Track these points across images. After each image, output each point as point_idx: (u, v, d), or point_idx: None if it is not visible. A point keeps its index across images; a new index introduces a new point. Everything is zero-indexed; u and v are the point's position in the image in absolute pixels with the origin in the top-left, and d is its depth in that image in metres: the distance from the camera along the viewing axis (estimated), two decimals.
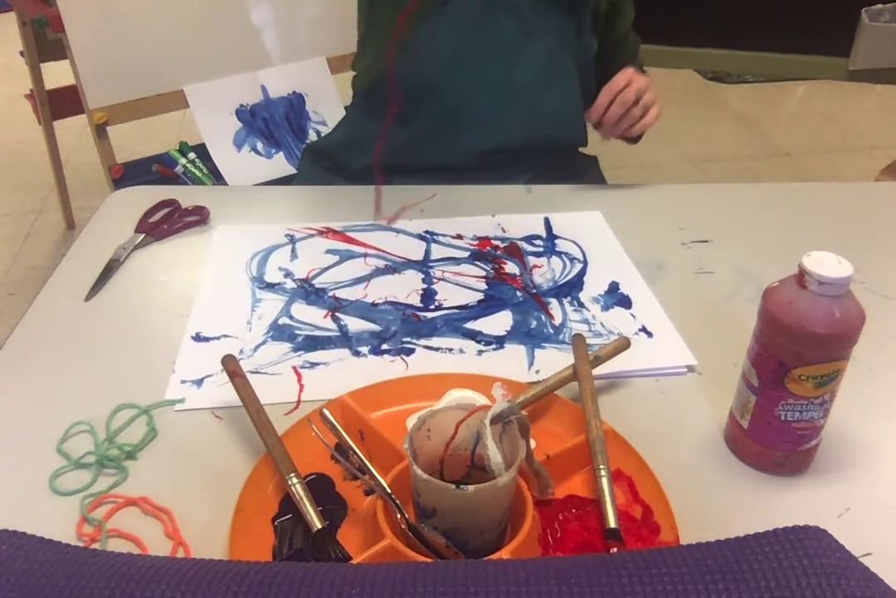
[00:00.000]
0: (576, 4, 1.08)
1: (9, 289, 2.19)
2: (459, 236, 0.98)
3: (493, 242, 0.97)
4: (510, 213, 1.03)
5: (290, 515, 0.58)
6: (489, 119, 1.09)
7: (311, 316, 0.83)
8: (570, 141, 1.19)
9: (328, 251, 0.94)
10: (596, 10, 1.10)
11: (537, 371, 0.75)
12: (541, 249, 0.96)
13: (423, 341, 0.79)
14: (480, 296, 0.86)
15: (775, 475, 0.64)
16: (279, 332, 0.80)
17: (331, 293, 0.86)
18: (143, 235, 0.95)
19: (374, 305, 0.85)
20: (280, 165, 1.78)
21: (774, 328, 0.58)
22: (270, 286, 0.88)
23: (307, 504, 0.57)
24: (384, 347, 0.78)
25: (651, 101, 1.04)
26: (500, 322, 0.82)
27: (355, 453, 0.57)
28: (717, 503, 0.61)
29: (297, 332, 0.80)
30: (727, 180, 2.67)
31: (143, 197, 1.03)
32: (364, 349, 0.78)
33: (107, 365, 0.75)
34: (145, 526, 0.58)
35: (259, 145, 1.77)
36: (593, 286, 0.88)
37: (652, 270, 0.91)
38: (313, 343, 0.78)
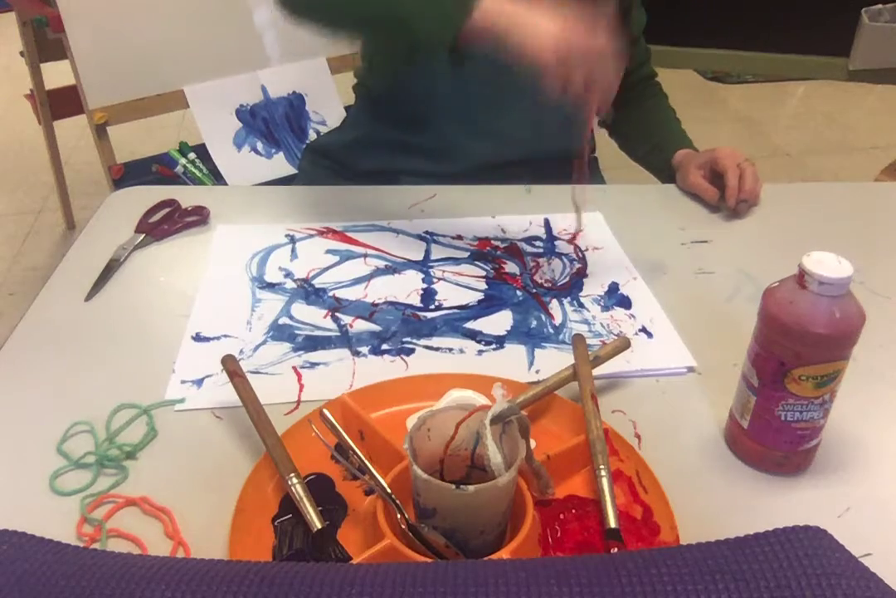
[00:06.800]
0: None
1: (9, 289, 2.19)
2: (459, 237, 0.98)
3: (493, 242, 0.97)
4: (510, 213, 1.03)
5: (290, 515, 0.58)
6: (498, 130, 1.10)
7: (311, 316, 0.83)
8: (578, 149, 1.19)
9: (328, 251, 0.94)
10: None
11: (537, 371, 0.75)
12: (541, 250, 0.96)
13: (423, 341, 0.79)
14: (480, 296, 0.87)
15: (775, 475, 0.64)
16: (279, 332, 0.80)
17: (331, 293, 0.86)
18: (143, 235, 0.95)
19: (374, 305, 0.85)
20: (280, 165, 1.78)
21: (774, 328, 0.58)
22: (270, 286, 0.88)
23: (307, 504, 0.57)
24: (384, 347, 0.78)
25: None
26: (500, 322, 0.82)
27: (355, 453, 0.57)
28: (717, 503, 0.61)
29: (297, 332, 0.80)
30: None
31: (143, 197, 1.03)
32: (364, 349, 0.78)
33: (107, 365, 0.75)
34: (145, 526, 0.58)
35: (259, 145, 1.78)
36: (593, 287, 0.88)
37: (652, 270, 0.91)
38: (313, 343, 0.78)
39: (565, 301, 0.86)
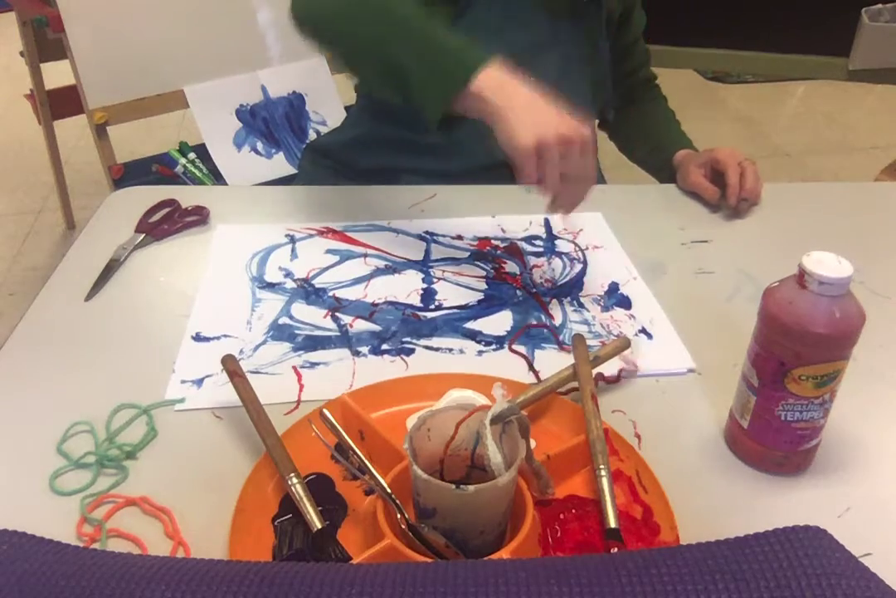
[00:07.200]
0: (588, 15, 1.08)
1: (9, 289, 2.19)
2: (459, 237, 0.98)
3: (493, 242, 0.97)
4: (510, 213, 1.03)
5: (290, 515, 0.58)
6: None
7: (311, 316, 0.83)
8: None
9: (328, 251, 0.94)
10: (608, 17, 1.11)
11: (537, 372, 0.75)
12: (541, 250, 0.96)
13: (423, 341, 0.79)
14: (480, 296, 0.86)
15: (775, 475, 0.64)
16: (279, 332, 0.80)
17: (331, 293, 0.86)
18: (143, 235, 0.95)
19: (374, 305, 0.85)
20: (280, 165, 1.78)
21: (774, 328, 0.58)
22: (270, 286, 0.88)
23: (307, 504, 0.57)
24: (384, 347, 0.78)
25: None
26: (500, 322, 0.82)
27: (355, 453, 0.57)
28: (717, 503, 0.61)
29: (297, 332, 0.80)
30: None
31: (143, 197, 1.03)
32: (364, 349, 0.78)
33: (107, 365, 0.75)
34: (145, 526, 0.58)
35: (259, 145, 1.78)
36: (593, 287, 0.88)
37: (652, 270, 0.91)
38: (313, 343, 0.78)
39: (565, 301, 0.86)
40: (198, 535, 0.57)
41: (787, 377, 0.58)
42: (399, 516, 0.54)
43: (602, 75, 1.14)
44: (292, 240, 0.96)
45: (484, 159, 1.11)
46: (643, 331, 0.81)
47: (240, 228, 0.99)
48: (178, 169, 1.72)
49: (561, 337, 0.80)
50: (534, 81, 0.77)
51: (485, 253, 0.95)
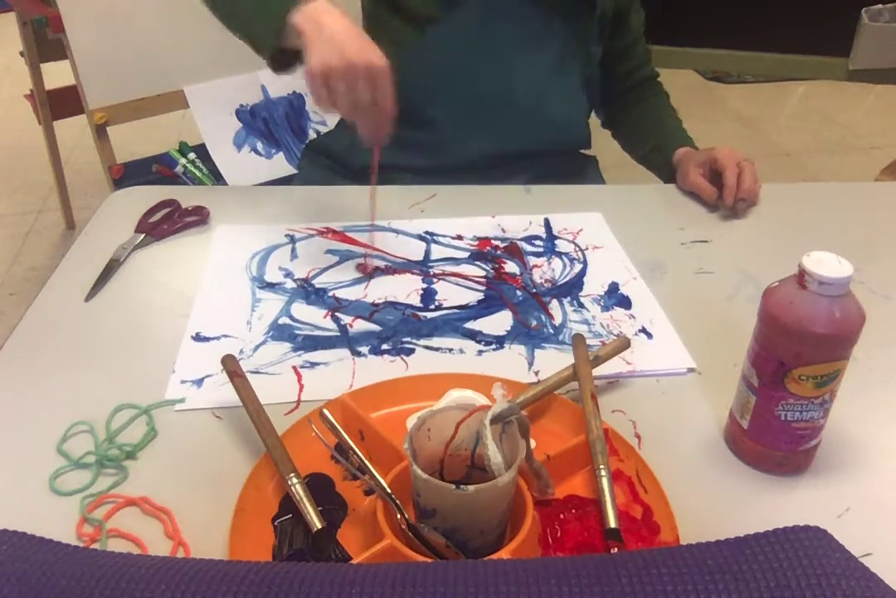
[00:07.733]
0: (581, 13, 1.08)
1: (9, 289, 2.19)
2: (459, 237, 0.98)
3: (493, 242, 0.97)
4: (510, 213, 1.03)
5: (290, 515, 0.58)
6: (493, 124, 1.10)
7: (311, 316, 0.83)
8: (573, 144, 1.20)
9: (328, 251, 0.94)
10: (602, 18, 1.11)
11: (537, 372, 0.75)
12: (541, 250, 0.96)
13: (423, 341, 0.79)
14: (480, 296, 0.87)
15: (775, 475, 0.64)
16: (279, 332, 0.80)
17: (331, 293, 0.86)
18: (143, 235, 0.95)
19: (374, 305, 0.85)
20: (280, 165, 1.78)
21: (774, 328, 0.58)
22: (270, 286, 0.88)
23: (307, 504, 0.57)
24: (384, 347, 0.78)
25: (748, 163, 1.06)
26: (500, 322, 0.82)
27: (355, 453, 0.57)
28: (717, 502, 0.61)
29: (297, 332, 0.80)
30: None
31: (143, 197, 1.03)
32: (364, 349, 0.78)
33: (107, 365, 0.75)
34: (145, 526, 0.58)
35: (259, 145, 1.78)
36: (593, 287, 0.88)
37: (652, 271, 0.91)
38: (313, 343, 0.78)
39: (565, 301, 0.86)
40: (198, 535, 0.57)
41: (787, 377, 0.58)
42: (399, 516, 0.54)
43: (592, 76, 1.15)
44: (292, 240, 0.96)
45: (481, 154, 1.12)
46: (643, 331, 0.81)
47: (240, 228, 0.99)
48: (178, 169, 1.72)
49: (561, 337, 0.80)
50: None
51: (485, 253, 0.95)
